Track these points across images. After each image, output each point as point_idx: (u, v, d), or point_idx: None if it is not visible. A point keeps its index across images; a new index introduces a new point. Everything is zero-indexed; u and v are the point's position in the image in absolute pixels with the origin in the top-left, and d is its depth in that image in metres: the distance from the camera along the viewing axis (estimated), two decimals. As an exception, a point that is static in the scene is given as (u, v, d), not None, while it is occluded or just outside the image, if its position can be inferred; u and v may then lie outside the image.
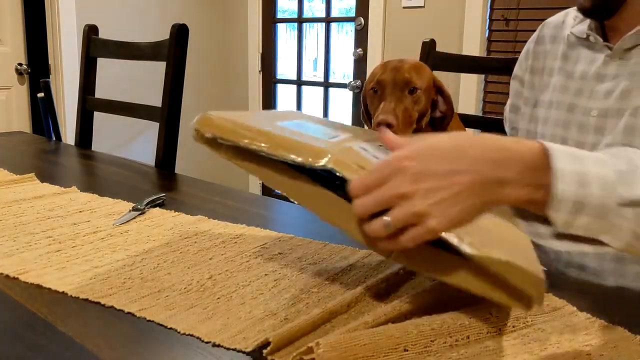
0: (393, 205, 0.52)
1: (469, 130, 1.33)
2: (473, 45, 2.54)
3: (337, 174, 0.56)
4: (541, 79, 1.02)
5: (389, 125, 1.05)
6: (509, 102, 1.12)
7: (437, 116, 1.17)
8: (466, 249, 0.53)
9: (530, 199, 0.52)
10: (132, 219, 0.95)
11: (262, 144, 0.59)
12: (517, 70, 1.09)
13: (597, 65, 0.91)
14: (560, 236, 0.55)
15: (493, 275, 0.55)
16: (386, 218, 0.52)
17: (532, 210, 0.54)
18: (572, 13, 1.00)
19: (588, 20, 0.94)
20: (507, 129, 1.14)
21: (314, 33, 3.40)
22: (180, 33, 1.48)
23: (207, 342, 0.58)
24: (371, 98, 1.15)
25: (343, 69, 3.22)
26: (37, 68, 2.97)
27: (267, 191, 3.74)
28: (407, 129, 1.10)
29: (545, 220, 0.54)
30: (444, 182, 0.51)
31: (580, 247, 0.55)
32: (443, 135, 0.54)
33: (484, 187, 0.51)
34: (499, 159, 0.51)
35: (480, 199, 0.52)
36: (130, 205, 1.02)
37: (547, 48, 1.01)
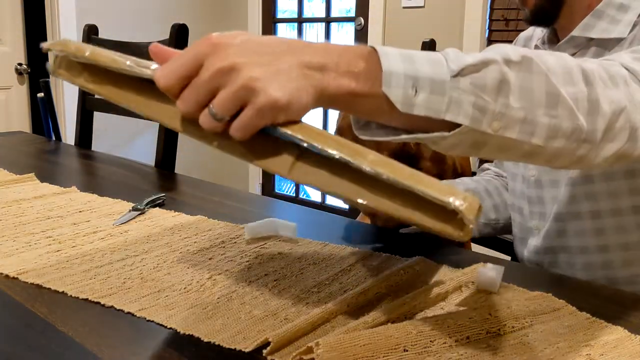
0: (218, 87, 0.47)
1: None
2: (473, 45, 2.55)
3: None
4: None
5: None
6: None
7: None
8: (361, 163, 0.49)
9: (356, 89, 0.49)
10: (132, 219, 0.95)
11: (123, 62, 0.56)
12: None
13: None
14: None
15: (400, 192, 0.49)
16: (210, 107, 0.48)
17: (371, 116, 0.52)
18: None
19: (543, 33, 0.96)
20: None
21: (314, 33, 3.40)
22: (180, 33, 1.48)
23: (206, 342, 0.58)
24: None
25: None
26: (37, 68, 2.97)
27: (267, 191, 3.74)
28: None
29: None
30: (271, 57, 0.47)
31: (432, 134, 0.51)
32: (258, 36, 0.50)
33: (308, 70, 0.48)
34: (319, 48, 0.49)
35: (308, 81, 0.48)
36: (130, 205, 1.02)
37: None
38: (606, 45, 0.85)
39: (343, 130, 1.14)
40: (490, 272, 0.68)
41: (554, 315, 0.64)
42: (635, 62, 0.61)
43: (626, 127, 0.55)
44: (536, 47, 0.98)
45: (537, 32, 1.01)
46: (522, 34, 1.07)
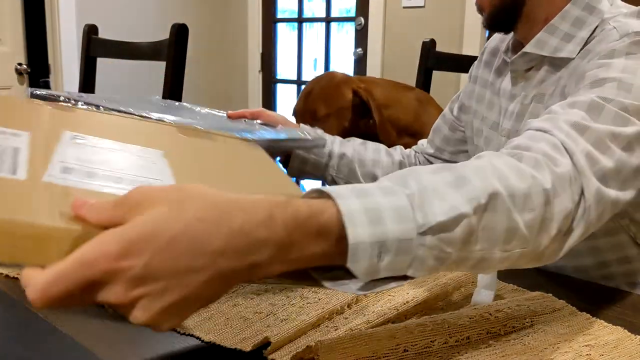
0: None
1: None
2: (473, 45, 2.54)
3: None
4: (478, 89, 1.00)
5: None
6: (460, 97, 1.07)
7: (373, 124, 1.22)
8: None
9: (303, 264, 0.42)
10: (131, 219, 0.95)
11: None
12: (470, 72, 1.07)
13: (510, 84, 0.90)
14: (368, 286, 0.45)
15: None
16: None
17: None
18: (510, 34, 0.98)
19: (507, 42, 0.93)
20: (446, 124, 1.09)
21: (314, 33, 3.40)
22: (180, 33, 1.48)
23: (207, 342, 0.58)
24: None
25: (343, 69, 3.22)
26: (36, 68, 2.97)
27: (267, 191, 3.74)
28: None
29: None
30: (173, 283, 0.38)
31: (389, 285, 0.45)
32: (178, 216, 0.38)
33: (227, 278, 0.40)
34: (246, 245, 0.39)
35: (225, 287, 0.41)
36: (130, 205, 1.02)
37: (487, 59, 1.00)
38: (557, 64, 0.82)
39: (299, 114, 1.17)
40: (483, 295, 0.68)
41: (554, 315, 0.64)
42: (575, 130, 0.59)
43: (564, 228, 0.55)
44: (503, 55, 0.94)
45: (509, 35, 0.98)
46: (493, 37, 1.02)
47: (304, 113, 1.17)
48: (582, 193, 0.56)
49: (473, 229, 0.47)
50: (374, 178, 1.04)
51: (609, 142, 0.60)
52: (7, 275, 0.73)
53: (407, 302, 0.63)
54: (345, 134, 1.17)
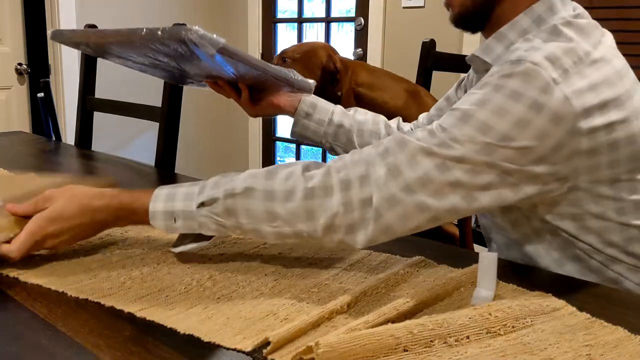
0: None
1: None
2: (473, 45, 2.54)
3: None
4: (475, 77, 0.99)
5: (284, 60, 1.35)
6: (463, 83, 1.07)
7: (339, 94, 1.34)
8: None
9: (137, 222, 0.78)
10: (132, 219, 0.95)
11: None
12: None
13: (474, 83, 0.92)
14: (178, 243, 0.80)
15: None
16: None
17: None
18: None
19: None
20: (449, 99, 1.09)
21: (314, 33, 3.40)
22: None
23: (207, 342, 0.58)
24: None
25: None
26: (37, 68, 2.97)
27: (267, 191, 3.74)
28: None
29: None
30: (69, 232, 0.76)
31: (191, 247, 0.79)
32: (70, 204, 0.75)
33: (91, 228, 0.77)
34: (96, 215, 0.76)
35: (91, 233, 0.79)
36: (130, 205, 1.02)
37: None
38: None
39: (275, 57, 1.30)
40: (483, 295, 0.68)
41: (554, 315, 0.64)
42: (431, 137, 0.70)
43: (342, 224, 0.70)
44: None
45: None
46: None
47: (276, 56, 1.29)
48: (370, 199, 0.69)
49: (228, 207, 0.72)
50: None
51: (419, 158, 0.70)
52: (7, 276, 0.73)
53: (407, 302, 0.63)
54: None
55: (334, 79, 1.36)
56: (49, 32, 0.95)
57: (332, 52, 1.36)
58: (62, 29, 0.97)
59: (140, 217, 0.76)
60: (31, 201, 0.76)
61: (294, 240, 0.73)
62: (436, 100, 1.36)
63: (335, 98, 1.30)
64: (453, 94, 1.09)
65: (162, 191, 0.76)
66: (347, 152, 1.03)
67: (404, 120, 1.24)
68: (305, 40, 3.39)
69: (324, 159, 3.25)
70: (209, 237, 0.77)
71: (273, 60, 1.41)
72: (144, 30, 0.80)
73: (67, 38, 0.99)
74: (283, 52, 1.35)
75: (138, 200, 0.76)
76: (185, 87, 1.54)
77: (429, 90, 1.55)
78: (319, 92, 1.25)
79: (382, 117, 1.13)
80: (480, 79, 0.80)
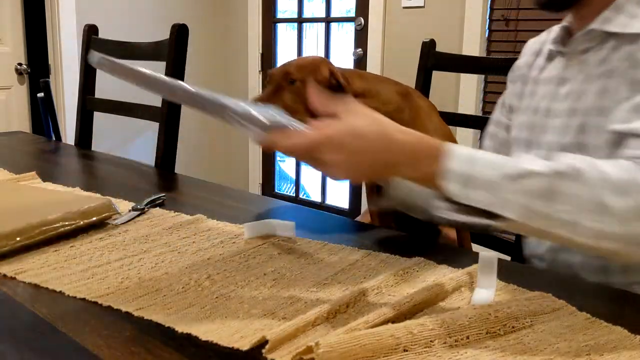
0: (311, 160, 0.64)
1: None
2: (473, 45, 2.54)
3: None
4: (519, 87, 1.05)
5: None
6: (506, 102, 1.11)
7: None
8: None
9: (422, 177, 0.65)
10: (131, 219, 0.95)
11: None
12: (508, 76, 1.12)
13: (560, 70, 0.94)
14: (460, 209, 0.64)
15: None
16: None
17: (430, 187, 0.66)
18: (555, 29, 1.01)
19: (556, 32, 0.97)
20: (500, 123, 1.12)
21: (314, 33, 3.40)
22: (180, 33, 1.48)
23: (204, 341, 0.58)
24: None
25: (343, 69, 3.22)
26: (37, 68, 2.97)
27: (267, 191, 3.74)
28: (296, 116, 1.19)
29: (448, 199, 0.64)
30: (354, 159, 0.63)
31: (477, 220, 0.63)
32: (364, 121, 0.63)
33: (384, 166, 0.65)
34: (398, 151, 0.64)
35: (382, 172, 0.66)
36: (130, 205, 1.02)
37: (528, 60, 1.04)
38: (624, 40, 0.85)
39: (273, 76, 1.20)
40: (483, 295, 0.68)
41: (554, 315, 0.64)
42: None
43: None
44: (550, 51, 0.98)
45: (552, 36, 1.01)
46: (537, 38, 1.06)
47: (278, 75, 1.21)
48: None
49: (550, 188, 0.60)
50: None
51: None
52: (5, 275, 0.72)
53: (407, 302, 0.63)
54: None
55: (337, 93, 1.32)
56: (90, 56, 0.83)
57: (331, 66, 1.33)
58: (108, 57, 0.86)
59: (431, 169, 0.63)
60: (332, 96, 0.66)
61: (609, 246, 0.62)
62: (428, 100, 1.36)
63: None
64: (500, 117, 1.10)
65: (460, 150, 0.64)
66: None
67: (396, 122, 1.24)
68: (306, 39, 3.39)
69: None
70: (485, 214, 0.63)
71: (268, 80, 1.35)
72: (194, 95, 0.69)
73: (110, 69, 0.86)
74: (285, 71, 1.28)
75: (436, 149, 0.64)
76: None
77: (428, 91, 1.55)
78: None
79: None
80: (579, 60, 0.88)
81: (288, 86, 1.18)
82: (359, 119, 0.63)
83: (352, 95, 1.25)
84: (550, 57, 0.98)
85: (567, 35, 0.95)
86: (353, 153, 0.62)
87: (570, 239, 0.62)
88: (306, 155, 0.63)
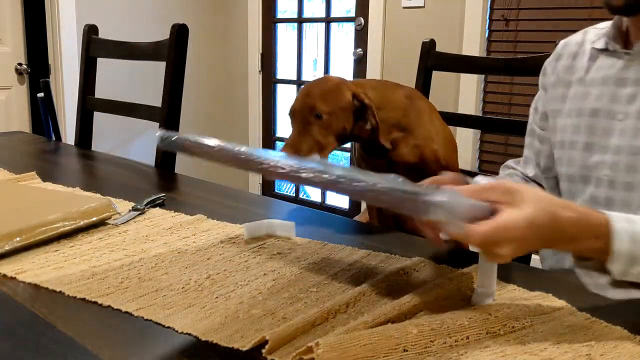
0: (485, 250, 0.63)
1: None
2: (473, 45, 2.54)
3: None
4: (561, 91, 1.02)
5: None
6: (537, 108, 1.09)
7: (369, 128, 1.20)
8: None
9: (584, 252, 0.66)
10: (131, 219, 0.95)
11: None
12: (541, 81, 1.09)
13: (617, 70, 0.92)
14: (617, 284, 0.67)
15: None
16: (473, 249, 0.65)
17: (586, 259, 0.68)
18: (592, 31, 1.00)
19: (607, 32, 0.95)
20: (534, 132, 1.11)
21: (313, 33, 3.40)
22: (180, 33, 1.48)
23: (204, 341, 0.58)
24: (290, 125, 1.20)
25: (343, 69, 3.22)
26: (37, 68, 2.97)
27: (267, 191, 3.74)
28: (321, 153, 1.14)
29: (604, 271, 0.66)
30: (525, 247, 0.62)
31: (633, 294, 0.67)
32: (535, 207, 0.62)
33: (548, 244, 0.65)
34: (566, 237, 0.64)
35: (543, 247, 0.65)
36: (130, 205, 1.02)
37: (567, 63, 1.02)
38: None
39: (297, 112, 1.15)
40: (483, 295, 0.68)
41: (554, 315, 0.64)
42: None
43: None
44: (594, 49, 0.96)
45: (589, 37, 1.00)
46: (571, 39, 1.04)
47: (302, 110, 1.15)
48: None
49: None
50: None
51: None
52: (5, 275, 0.72)
53: (407, 302, 0.63)
54: (344, 135, 1.16)
55: (361, 115, 1.24)
56: (158, 136, 0.77)
57: (350, 86, 1.25)
58: (177, 136, 0.76)
59: (595, 246, 0.65)
60: (482, 187, 0.64)
61: None
62: (429, 102, 1.36)
63: (362, 134, 1.18)
64: (536, 128, 1.08)
65: (622, 226, 0.65)
66: None
67: (403, 128, 1.22)
68: (306, 39, 3.39)
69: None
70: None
71: (292, 117, 1.17)
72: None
73: (180, 149, 0.77)
74: (310, 106, 1.14)
75: (601, 226, 0.65)
76: (185, 87, 1.55)
77: (429, 91, 1.55)
78: (348, 135, 1.20)
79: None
80: None
81: (315, 121, 1.12)
82: (529, 205, 0.62)
83: (375, 109, 1.21)
84: (593, 57, 0.96)
85: (620, 36, 0.93)
86: (525, 241, 0.62)
87: None
88: (482, 245, 0.62)
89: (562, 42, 1.06)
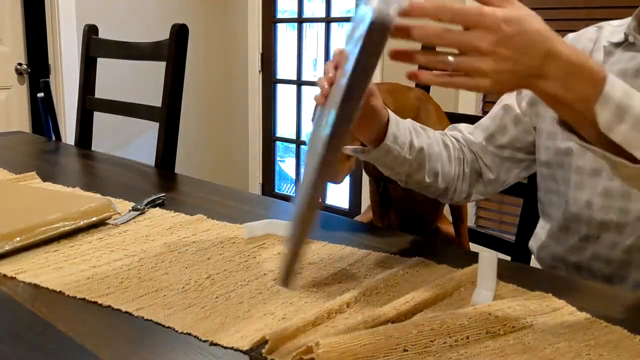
0: (463, 50, 0.58)
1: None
2: (473, 45, 2.54)
3: None
4: None
5: None
6: (523, 94, 1.04)
7: None
8: None
9: (574, 99, 0.61)
10: (131, 219, 0.95)
11: None
12: None
13: (637, 62, 0.90)
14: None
15: None
16: (451, 59, 0.59)
17: (569, 118, 0.63)
18: (607, 27, 0.98)
19: (625, 28, 0.92)
20: (510, 109, 1.04)
21: (313, 33, 3.40)
22: (180, 33, 1.48)
23: (204, 341, 0.58)
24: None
25: (343, 69, 3.21)
26: (37, 68, 2.97)
27: (267, 191, 3.74)
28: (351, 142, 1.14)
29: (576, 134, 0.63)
30: (516, 56, 0.58)
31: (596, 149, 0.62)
32: (530, 19, 0.59)
33: (536, 76, 0.60)
34: (556, 50, 0.59)
35: (523, 82, 0.61)
36: (130, 205, 1.02)
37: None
38: None
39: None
40: (483, 295, 0.68)
41: (554, 315, 0.64)
42: None
43: None
44: (611, 44, 0.94)
45: (604, 34, 0.97)
46: (583, 33, 1.00)
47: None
48: None
49: None
50: (435, 175, 0.96)
51: None
52: (4, 275, 0.72)
53: (407, 302, 0.63)
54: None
55: None
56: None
57: (412, 91, 1.24)
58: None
59: (589, 98, 0.60)
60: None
61: None
62: (435, 102, 1.36)
63: None
64: (514, 106, 1.03)
65: (616, 80, 0.61)
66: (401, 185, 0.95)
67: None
68: (306, 39, 3.39)
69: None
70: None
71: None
72: None
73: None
74: None
75: (598, 75, 0.61)
76: (185, 87, 1.55)
77: (429, 91, 1.55)
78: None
79: (437, 134, 1.01)
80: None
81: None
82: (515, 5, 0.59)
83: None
84: (609, 52, 0.94)
85: (638, 26, 0.90)
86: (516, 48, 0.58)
87: None
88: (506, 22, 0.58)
89: (571, 36, 1.02)
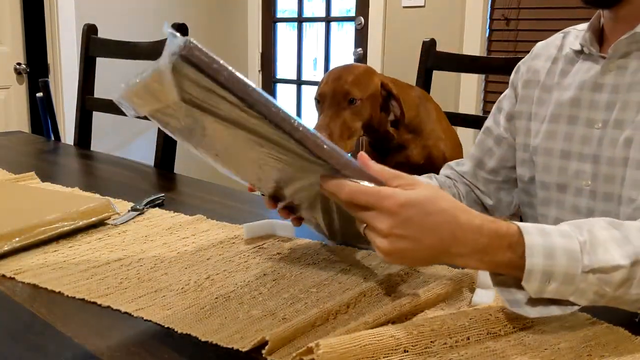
0: (364, 222, 0.57)
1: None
2: (473, 44, 2.54)
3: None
4: (535, 93, 0.98)
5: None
6: (503, 108, 1.05)
7: (392, 119, 1.20)
8: None
9: (495, 271, 0.60)
10: (130, 219, 0.95)
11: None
12: (512, 79, 1.05)
13: (594, 75, 0.89)
14: (534, 302, 0.60)
15: None
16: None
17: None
18: (573, 32, 0.97)
19: (584, 35, 0.92)
20: (490, 131, 1.06)
21: (313, 33, 3.40)
22: (180, 33, 1.48)
23: (204, 342, 0.57)
24: (316, 108, 1.19)
25: (343, 69, 3.21)
26: (36, 67, 2.97)
27: (266, 191, 3.74)
28: (344, 142, 1.14)
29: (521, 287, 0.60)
30: (417, 237, 0.56)
31: (551, 310, 0.60)
32: (434, 200, 0.56)
33: (445, 257, 0.58)
34: (468, 240, 0.57)
35: (432, 259, 0.61)
36: (129, 205, 1.02)
37: (546, 65, 0.98)
38: None
39: (327, 96, 1.15)
40: (484, 295, 0.68)
41: (553, 316, 0.64)
42: None
43: None
44: (571, 53, 0.93)
45: (569, 41, 0.96)
46: (549, 41, 1.01)
47: (335, 95, 1.13)
48: None
49: (628, 277, 0.59)
50: None
51: None
52: (4, 275, 0.72)
53: (408, 302, 0.63)
54: (368, 124, 1.15)
55: (385, 106, 1.23)
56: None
57: (378, 75, 1.23)
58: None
59: (512, 260, 0.58)
60: (385, 171, 0.59)
61: None
62: (435, 102, 1.36)
63: (382, 128, 1.19)
64: (494, 126, 1.04)
65: (535, 239, 0.58)
66: None
67: (414, 129, 1.21)
68: (306, 38, 3.39)
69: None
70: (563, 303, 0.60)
71: (321, 100, 1.15)
72: None
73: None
74: (345, 91, 1.12)
75: (514, 239, 0.58)
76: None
77: (429, 91, 1.55)
78: (372, 124, 1.18)
79: (431, 180, 1.03)
80: (616, 65, 0.85)
81: (348, 106, 1.12)
82: (420, 188, 0.57)
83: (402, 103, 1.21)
84: (572, 60, 0.93)
85: (596, 38, 0.90)
86: (421, 241, 0.56)
87: (633, 306, 0.63)
88: (367, 205, 0.56)
89: (540, 44, 1.02)
